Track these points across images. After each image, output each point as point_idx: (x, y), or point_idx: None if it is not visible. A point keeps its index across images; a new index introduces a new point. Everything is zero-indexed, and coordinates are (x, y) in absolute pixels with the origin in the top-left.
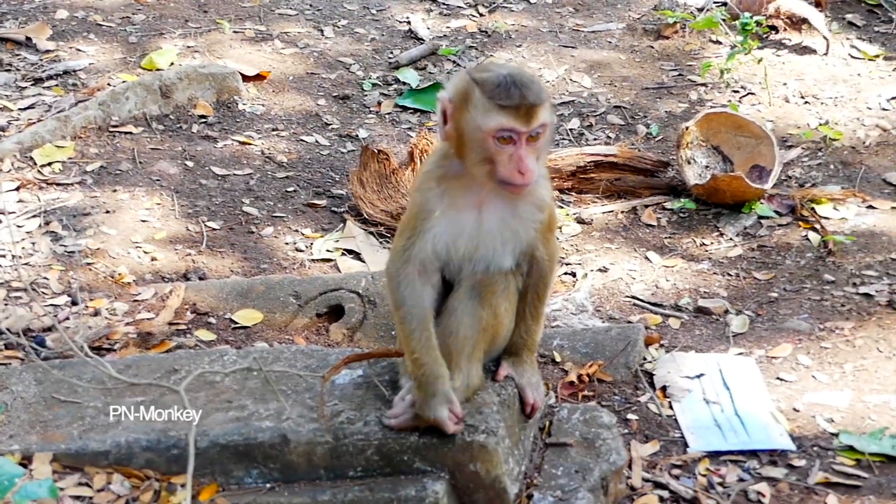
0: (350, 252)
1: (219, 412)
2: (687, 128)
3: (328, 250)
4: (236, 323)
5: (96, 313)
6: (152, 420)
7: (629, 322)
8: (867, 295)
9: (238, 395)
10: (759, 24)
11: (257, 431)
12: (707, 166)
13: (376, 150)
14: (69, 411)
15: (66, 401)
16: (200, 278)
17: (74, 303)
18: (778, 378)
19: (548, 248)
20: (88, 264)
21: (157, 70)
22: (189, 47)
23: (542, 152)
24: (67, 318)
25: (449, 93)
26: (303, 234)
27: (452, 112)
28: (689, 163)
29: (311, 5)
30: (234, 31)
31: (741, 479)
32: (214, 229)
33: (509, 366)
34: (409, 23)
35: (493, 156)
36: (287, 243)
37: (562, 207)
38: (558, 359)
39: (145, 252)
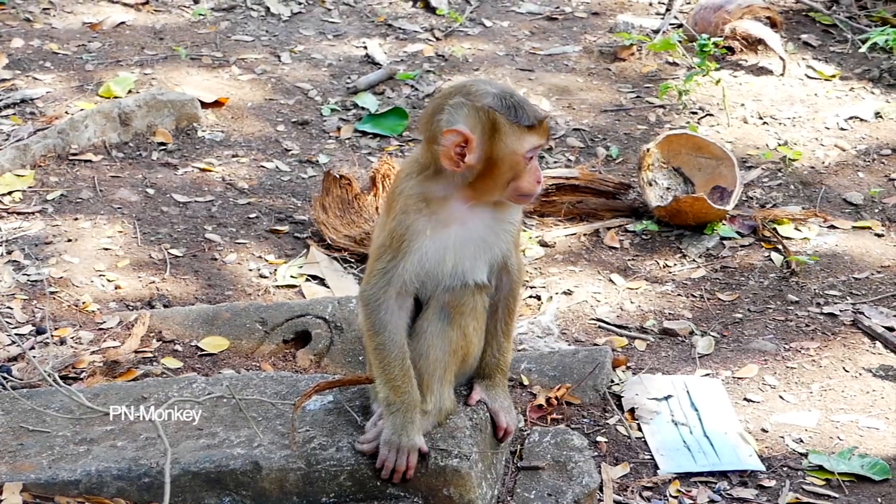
0: (314, 278)
1: (189, 440)
2: (648, 149)
3: (292, 276)
4: (203, 350)
5: (62, 342)
6: (123, 448)
7: (595, 345)
8: (831, 315)
9: (208, 423)
10: (716, 45)
11: (229, 459)
12: (668, 188)
13: (338, 176)
14: (38, 441)
15: (34, 430)
16: (165, 306)
17: (40, 332)
18: (745, 399)
19: (518, 259)
20: (52, 293)
21: (115, 98)
22: (146, 74)
23: None
24: (33, 348)
25: (465, 125)
26: (266, 261)
27: (481, 143)
28: (650, 185)
29: (266, 31)
30: (191, 59)
31: (712, 501)
32: (177, 256)
33: (482, 390)
34: (365, 48)
35: (521, 173)
36: (251, 269)
37: (525, 231)
38: (526, 382)
39: (109, 280)
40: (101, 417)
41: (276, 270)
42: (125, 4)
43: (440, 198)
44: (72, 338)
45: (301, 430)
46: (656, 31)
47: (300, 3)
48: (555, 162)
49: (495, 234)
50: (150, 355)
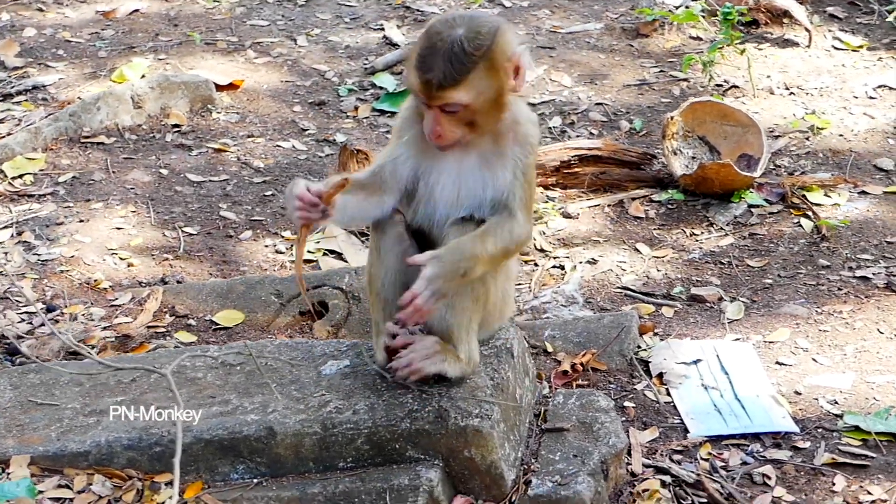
0: (332, 252)
1: (202, 408)
2: (672, 118)
3: (309, 251)
4: (217, 324)
5: (73, 319)
6: (134, 418)
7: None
8: (864, 278)
9: (221, 391)
10: (741, 13)
11: (242, 425)
12: (693, 157)
13: (355, 150)
14: (46, 414)
15: (43, 403)
16: (178, 282)
17: (50, 309)
18: (777, 362)
19: (524, 211)
20: (63, 272)
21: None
22: (160, 60)
23: (480, 124)
24: (43, 325)
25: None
26: (283, 237)
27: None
28: (675, 154)
29: (283, 16)
30: (206, 44)
31: (744, 463)
32: (191, 234)
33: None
34: (383, 29)
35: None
36: (267, 246)
37: (547, 202)
38: (550, 349)
39: (121, 258)
40: (110, 388)
41: (292, 246)
42: None
43: None
44: (83, 314)
45: (316, 395)
46: (678, 8)
47: None
48: (577, 136)
49: (502, 161)
50: (162, 330)
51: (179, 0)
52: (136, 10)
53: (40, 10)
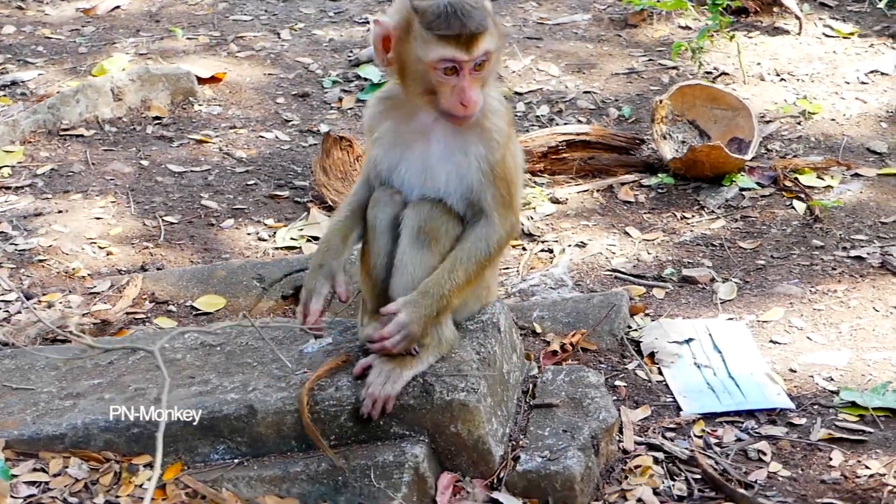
0: (315, 238)
1: (181, 388)
2: (661, 101)
3: (292, 238)
4: (198, 310)
5: (50, 306)
6: (112, 400)
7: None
8: (859, 258)
9: (201, 371)
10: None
11: (222, 404)
12: (683, 141)
13: (339, 137)
14: (22, 398)
15: (18, 388)
16: (158, 269)
17: (28, 297)
18: (771, 341)
19: (500, 210)
20: (41, 261)
21: None
22: (141, 55)
23: (487, 81)
24: (19, 313)
25: (391, 18)
26: (265, 224)
27: (395, 41)
28: (664, 138)
29: (266, 11)
30: (188, 38)
31: (739, 439)
32: (172, 223)
33: (399, 302)
34: (367, 23)
35: (436, 87)
36: (249, 234)
37: (534, 187)
38: (539, 330)
39: (100, 247)
40: (87, 372)
41: (275, 233)
42: None
43: (403, 100)
44: (60, 302)
45: (298, 373)
46: None
47: None
48: (565, 124)
49: (464, 158)
50: (142, 316)
51: None
52: (118, 7)
53: (20, 7)
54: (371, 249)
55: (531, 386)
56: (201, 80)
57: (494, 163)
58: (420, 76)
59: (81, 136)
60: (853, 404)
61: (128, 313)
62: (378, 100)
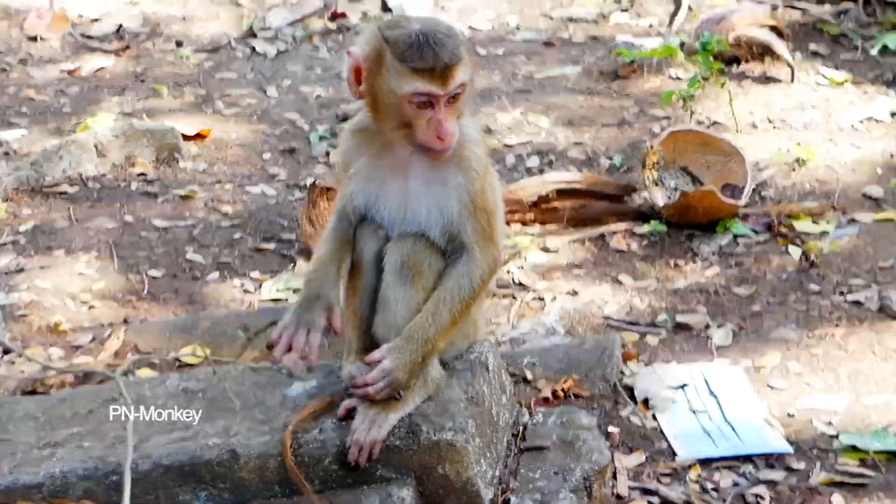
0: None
1: (161, 434)
2: (652, 147)
3: (278, 290)
4: (181, 361)
5: (30, 360)
6: (90, 448)
7: None
8: (856, 302)
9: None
10: (720, 43)
11: (204, 449)
12: (676, 188)
13: (325, 188)
14: None
15: None
16: (141, 322)
17: (6, 351)
18: (768, 386)
19: (482, 243)
20: (22, 316)
21: None
22: (126, 114)
23: (463, 112)
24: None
25: (362, 49)
26: (251, 278)
27: (366, 72)
28: (656, 185)
29: (252, 69)
30: (173, 97)
31: (736, 484)
32: (156, 277)
33: (384, 349)
34: None
35: (411, 119)
36: (234, 287)
37: (524, 236)
38: (530, 377)
39: (82, 302)
40: (66, 421)
41: (260, 286)
42: (104, 52)
43: (377, 133)
44: (41, 355)
45: (282, 416)
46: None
47: (286, 43)
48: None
49: (443, 189)
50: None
51: (146, 58)
52: (102, 68)
53: (4, 70)
54: (356, 285)
55: (521, 429)
56: (186, 137)
57: (474, 193)
58: (394, 108)
59: (65, 192)
60: (853, 448)
61: (109, 365)
62: (351, 133)
